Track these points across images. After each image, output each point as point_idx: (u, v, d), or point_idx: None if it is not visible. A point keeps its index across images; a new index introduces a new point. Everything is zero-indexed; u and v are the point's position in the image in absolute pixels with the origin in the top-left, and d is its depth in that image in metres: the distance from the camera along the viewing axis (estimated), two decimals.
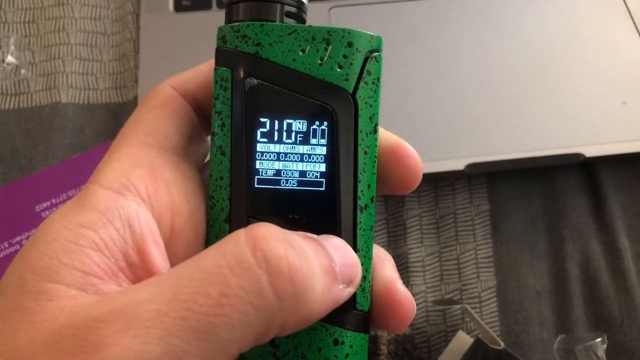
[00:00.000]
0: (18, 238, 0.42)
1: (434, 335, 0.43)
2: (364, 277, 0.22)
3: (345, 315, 0.21)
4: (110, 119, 0.48)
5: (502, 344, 0.38)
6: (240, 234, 0.18)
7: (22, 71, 0.49)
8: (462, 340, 0.40)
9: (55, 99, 0.48)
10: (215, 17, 0.50)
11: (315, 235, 0.20)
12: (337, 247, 0.20)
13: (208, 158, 0.25)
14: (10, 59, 0.49)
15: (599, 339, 0.38)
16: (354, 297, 0.21)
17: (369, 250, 0.22)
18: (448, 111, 0.45)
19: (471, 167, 0.43)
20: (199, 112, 0.25)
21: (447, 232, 0.45)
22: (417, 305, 0.43)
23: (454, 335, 0.41)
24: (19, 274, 0.18)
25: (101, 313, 0.17)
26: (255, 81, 0.21)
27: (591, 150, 0.44)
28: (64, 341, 0.16)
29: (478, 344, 0.38)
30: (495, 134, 0.45)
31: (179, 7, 0.50)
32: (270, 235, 0.18)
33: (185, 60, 0.48)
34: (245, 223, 0.21)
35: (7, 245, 0.42)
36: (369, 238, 0.22)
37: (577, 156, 0.44)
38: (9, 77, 0.48)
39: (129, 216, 0.20)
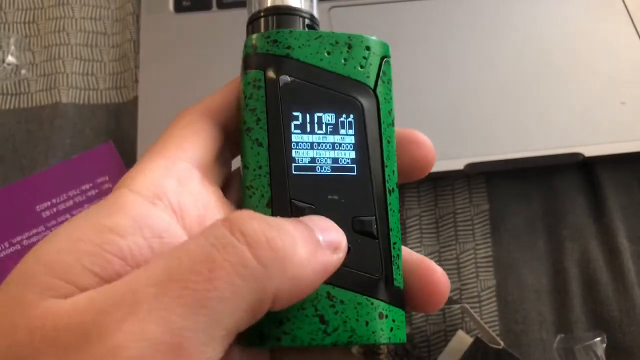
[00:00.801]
0: (18, 238, 0.42)
1: (433, 334, 0.43)
2: (397, 255, 0.23)
3: (387, 290, 0.23)
4: (111, 119, 0.48)
5: (502, 343, 0.38)
6: (217, 220, 0.19)
7: (23, 71, 0.49)
8: (462, 340, 0.40)
9: (56, 99, 0.48)
10: (216, 18, 0.50)
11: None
12: (316, 220, 0.21)
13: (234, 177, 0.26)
14: (10, 59, 0.49)
15: (598, 339, 0.38)
16: (391, 274, 0.23)
17: (398, 230, 0.24)
18: (447, 111, 0.46)
19: (470, 166, 0.43)
20: (225, 134, 0.25)
21: (446, 231, 0.45)
22: None
23: (453, 334, 0.41)
24: (31, 265, 0.18)
25: (102, 304, 0.17)
26: (288, 78, 0.23)
27: (590, 150, 0.44)
28: (68, 335, 0.17)
29: (477, 343, 0.38)
30: (494, 133, 0.45)
31: (179, 8, 0.50)
32: (245, 215, 0.19)
33: (186, 61, 0.48)
34: (287, 205, 0.23)
35: (7, 245, 0.42)
36: (397, 219, 0.24)
37: (576, 156, 0.44)
38: (9, 77, 0.49)
39: (160, 227, 0.20)
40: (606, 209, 0.45)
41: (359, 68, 0.24)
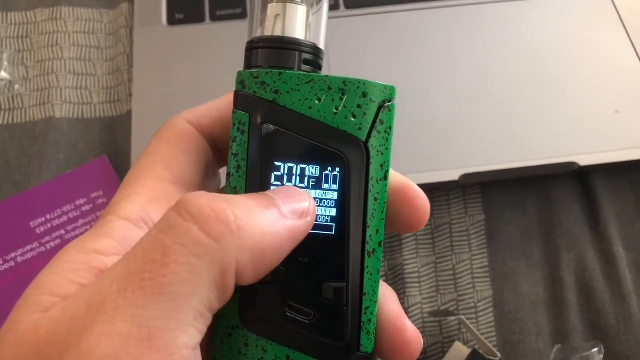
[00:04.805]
0: (13, 254, 0.42)
1: (430, 346, 0.42)
2: (368, 320, 0.22)
3: (350, 358, 0.22)
4: (105, 133, 0.48)
5: (499, 354, 0.38)
6: (169, 209, 0.19)
7: (16, 86, 0.49)
8: (459, 351, 0.40)
9: (49, 114, 0.48)
10: (209, 30, 0.50)
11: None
12: (279, 190, 0.21)
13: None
14: (3, 74, 0.49)
15: (595, 349, 0.38)
16: (357, 340, 0.22)
17: (375, 293, 0.23)
18: (442, 122, 0.46)
19: (465, 177, 0.43)
20: (213, 146, 0.25)
21: (442, 242, 0.45)
22: (413, 316, 0.43)
23: (450, 346, 0.41)
24: (28, 290, 0.19)
25: (74, 310, 0.18)
26: (272, 127, 0.22)
27: (585, 159, 0.44)
28: (50, 348, 0.17)
29: (475, 355, 0.38)
30: (489, 144, 0.45)
31: (172, 21, 0.50)
32: (193, 195, 0.19)
33: (179, 74, 0.48)
34: None
35: (1, 262, 0.42)
36: (375, 282, 0.22)
37: (571, 165, 0.44)
38: (3, 92, 0.48)
39: None
40: (601, 217, 0.45)
41: (351, 118, 0.22)
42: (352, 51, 0.49)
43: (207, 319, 0.18)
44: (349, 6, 0.51)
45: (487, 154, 0.44)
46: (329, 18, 0.50)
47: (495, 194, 0.47)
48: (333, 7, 0.51)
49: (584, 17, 0.50)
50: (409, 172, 0.43)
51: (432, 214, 0.46)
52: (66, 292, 0.19)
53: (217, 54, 0.48)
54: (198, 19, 0.51)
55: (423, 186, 0.43)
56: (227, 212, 0.18)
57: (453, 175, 0.44)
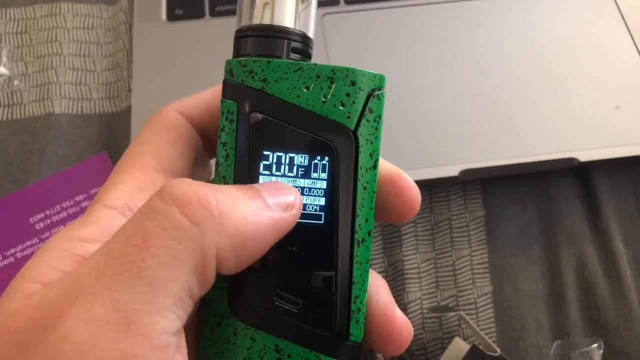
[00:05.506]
0: (12, 250, 0.42)
1: (430, 342, 0.42)
2: (358, 309, 0.22)
3: (339, 346, 0.22)
4: (104, 129, 0.48)
5: (498, 350, 0.38)
6: (153, 194, 0.19)
7: (15, 82, 0.49)
8: (459, 347, 0.40)
9: (49, 109, 0.48)
10: (209, 26, 0.50)
11: None
12: (266, 184, 0.21)
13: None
14: (2, 70, 0.49)
15: (595, 345, 0.38)
16: (346, 329, 0.22)
17: (364, 283, 0.23)
18: (442, 117, 0.45)
19: (465, 173, 0.43)
20: (203, 137, 0.25)
21: (442, 238, 0.45)
22: (413, 312, 0.43)
23: (450, 342, 0.41)
24: (11, 282, 0.19)
25: (54, 296, 0.18)
26: (260, 116, 0.22)
27: (585, 155, 0.44)
28: (29, 334, 0.17)
29: (474, 351, 0.38)
30: (489, 139, 0.45)
31: (171, 17, 0.50)
32: (176, 181, 0.19)
33: (179, 70, 0.48)
34: None
35: (1, 258, 0.42)
36: (364, 271, 0.22)
37: (571, 161, 0.44)
38: (2, 88, 0.48)
39: None
40: (601, 213, 0.45)
41: (340, 107, 0.22)
42: (352, 47, 0.49)
43: (188, 305, 0.18)
44: (349, 1, 0.51)
45: (487, 150, 0.44)
46: (329, 14, 0.50)
47: (496, 190, 0.47)
48: (333, 2, 0.51)
49: (585, 12, 0.50)
50: (409, 167, 0.43)
51: (432, 210, 0.46)
52: (49, 279, 0.19)
53: (216, 50, 0.48)
54: (198, 14, 0.51)
55: (423, 182, 0.43)
56: (209, 197, 0.18)
57: (453, 171, 0.43)
